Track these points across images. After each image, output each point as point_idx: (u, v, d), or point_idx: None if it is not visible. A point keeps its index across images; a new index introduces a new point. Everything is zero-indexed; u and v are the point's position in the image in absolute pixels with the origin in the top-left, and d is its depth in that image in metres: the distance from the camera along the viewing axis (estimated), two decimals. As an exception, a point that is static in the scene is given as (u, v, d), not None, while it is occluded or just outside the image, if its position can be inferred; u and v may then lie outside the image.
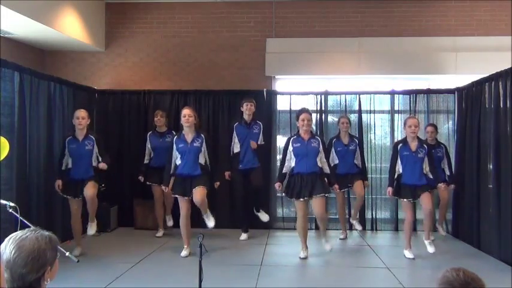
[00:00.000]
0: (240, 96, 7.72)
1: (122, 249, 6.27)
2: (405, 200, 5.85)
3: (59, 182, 5.83)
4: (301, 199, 5.78)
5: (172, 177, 5.95)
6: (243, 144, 6.84)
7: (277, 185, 6.00)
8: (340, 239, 7.04)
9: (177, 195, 5.93)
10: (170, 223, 7.24)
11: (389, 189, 5.96)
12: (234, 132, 6.91)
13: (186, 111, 5.92)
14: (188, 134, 5.91)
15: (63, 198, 6.18)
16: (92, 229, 6.01)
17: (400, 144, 5.92)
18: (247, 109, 6.87)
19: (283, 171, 5.94)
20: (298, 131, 5.93)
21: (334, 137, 7.03)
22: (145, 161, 7.20)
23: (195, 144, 5.88)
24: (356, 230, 7.34)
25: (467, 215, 6.64)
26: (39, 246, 1.81)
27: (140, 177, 7.17)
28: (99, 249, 6.11)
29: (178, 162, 5.90)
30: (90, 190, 5.81)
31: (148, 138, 7.22)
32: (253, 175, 6.82)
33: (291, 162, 5.86)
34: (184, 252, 5.91)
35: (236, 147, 6.90)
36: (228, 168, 6.92)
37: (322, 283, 5.07)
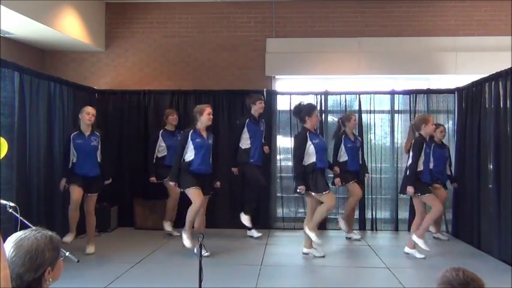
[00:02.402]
0: (240, 96, 7.75)
1: (122, 249, 6.27)
2: (429, 194, 5.78)
3: (64, 181, 5.85)
4: (327, 191, 5.74)
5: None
6: (254, 140, 6.83)
7: (303, 188, 5.67)
8: (355, 239, 6.98)
9: (193, 187, 5.69)
10: (175, 233, 6.99)
11: (411, 188, 5.73)
12: (245, 128, 6.85)
13: (211, 110, 5.94)
14: (203, 131, 5.90)
15: (63, 198, 6.20)
16: (90, 249, 6.01)
17: (424, 142, 5.83)
18: (260, 107, 6.91)
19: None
20: (306, 128, 5.83)
21: (342, 134, 6.93)
22: (155, 161, 7.14)
23: (210, 141, 5.92)
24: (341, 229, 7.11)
25: (467, 215, 6.64)
26: (38, 246, 1.80)
27: (152, 178, 7.03)
28: (99, 249, 6.10)
29: (191, 158, 5.78)
30: (91, 205, 6.01)
31: (160, 136, 7.15)
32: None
33: (311, 157, 5.71)
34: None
35: (245, 144, 6.83)
36: (235, 165, 6.89)
37: (322, 283, 5.07)
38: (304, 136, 5.77)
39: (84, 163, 5.89)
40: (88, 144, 5.92)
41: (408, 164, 5.86)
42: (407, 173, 5.84)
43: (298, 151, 5.74)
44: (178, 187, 5.89)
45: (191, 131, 5.85)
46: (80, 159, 5.89)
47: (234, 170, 6.88)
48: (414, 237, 5.84)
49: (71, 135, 5.92)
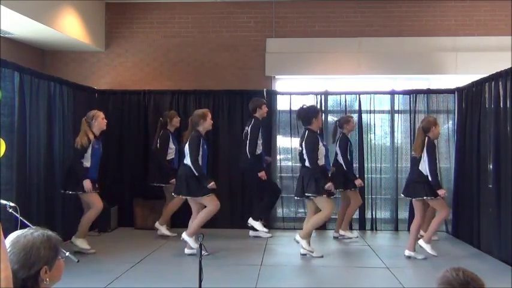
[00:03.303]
0: (240, 96, 7.75)
1: (122, 249, 6.27)
2: (440, 198, 5.70)
3: (89, 182, 5.78)
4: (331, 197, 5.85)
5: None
6: (262, 145, 6.87)
7: (330, 185, 5.68)
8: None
9: (211, 194, 5.85)
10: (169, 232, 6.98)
11: (443, 191, 5.63)
12: (260, 133, 6.81)
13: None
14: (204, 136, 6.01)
15: (63, 198, 6.22)
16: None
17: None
18: (265, 111, 7.02)
19: None
20: (313, 130, 5.82)
21: (346, 136, 6.86)
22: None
23: None
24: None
25: (467, 215, 6.64)
26: (33, 244, 1.81)
27: (173, 180, 6.59)
28: (99, 249, 6.10)
29: (200, 163, 5.80)
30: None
31: (171, 138, 7.04)
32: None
33: (321, 160, 5.73)
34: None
35: (259, 148, 6.81)
36: (261, 169, 6.78)
37: (322, 283, 5.07)
38: (317, 138, 5.78)
39: (96, 168, 6.01)
40: (100, 150, 6.09)
41: (426, 167, 5.55)
42: (431, 176, 5.52)
43: (315, 154, 5.66)
44: (193, 196, 5.81)
45: (201, 137, 5.84)
46: (94, 163, 5.96)
47: (263, 175, 6.72)
48: (422, 243, 5.76)
49: (92, 141, 5.90)
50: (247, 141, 6.75)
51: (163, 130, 7.08)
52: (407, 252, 5.81)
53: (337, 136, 6.91)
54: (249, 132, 6.77)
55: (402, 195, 6.10)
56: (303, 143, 5.74)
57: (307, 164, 5.70)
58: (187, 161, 5.80)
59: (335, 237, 7.00)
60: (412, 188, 5.77)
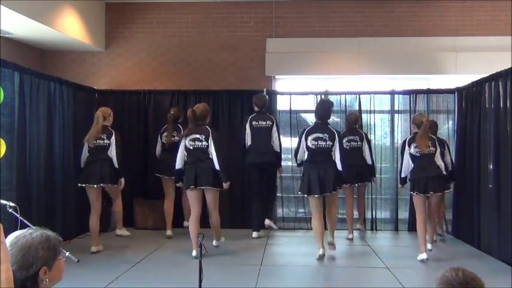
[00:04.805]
0: (240, 96, 7.75)
1: (122, 249, 6.27)
2: None
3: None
4: None
5: None
6: None
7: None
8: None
9: None
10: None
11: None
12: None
13: None
14: None
15: (63, 198, 6.24)
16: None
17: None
18: None
19: None
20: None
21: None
22: None
23: None
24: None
25: (467, 215, 6.64)
26: (32, 244, 1.80)
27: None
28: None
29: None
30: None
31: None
32: None
33: None
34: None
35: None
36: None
37: (322, 283, 5.08)
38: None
39: None
40: None
41: (447, 161, 6.23)
42: (451, 168, 6.35)
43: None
44: (217, 187, 5.87)
45: None
46: None
47: (282, 170, 7.16)
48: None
49: None
50: (278, 137, 6.90)
51: (177, 125, 6.96)
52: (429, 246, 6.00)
53: (358, 133, 7.06)
54: (276, 129, 6.88)
55: (431, 192, 5.76)
56: (335, 139, 5.74)
57: (335, 159, 5.73)
58: (212, 155, 5.73)
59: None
60: (441, 181, 5.81)
